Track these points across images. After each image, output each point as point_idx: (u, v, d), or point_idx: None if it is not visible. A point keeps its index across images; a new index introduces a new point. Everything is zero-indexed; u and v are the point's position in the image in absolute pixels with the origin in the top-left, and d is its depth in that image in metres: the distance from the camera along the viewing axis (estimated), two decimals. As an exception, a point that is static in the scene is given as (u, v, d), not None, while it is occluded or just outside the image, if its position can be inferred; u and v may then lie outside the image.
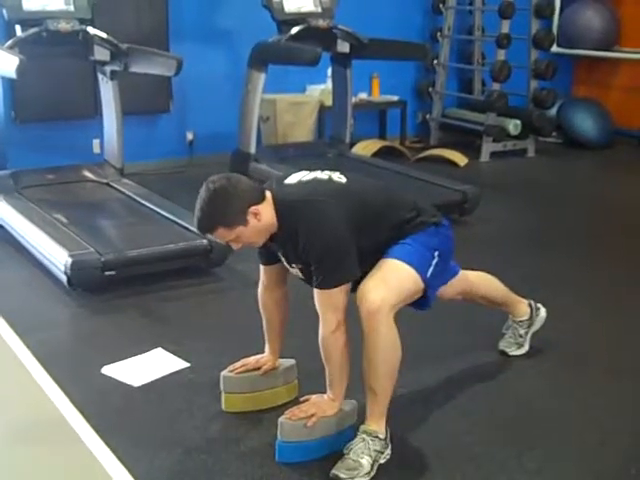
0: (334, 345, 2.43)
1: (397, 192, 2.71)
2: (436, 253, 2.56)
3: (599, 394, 2.92)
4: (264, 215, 2.43)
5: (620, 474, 2.44)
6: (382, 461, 2.43)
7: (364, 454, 2.39)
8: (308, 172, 2.58)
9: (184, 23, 6.27)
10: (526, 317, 3.14)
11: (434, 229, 2.60)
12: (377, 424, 2.46)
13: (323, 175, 2.56)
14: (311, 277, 2.46)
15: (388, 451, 2.46)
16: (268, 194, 2.47)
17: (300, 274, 2.54)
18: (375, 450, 2.41)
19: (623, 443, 2.61)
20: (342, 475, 2.36)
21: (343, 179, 2.57)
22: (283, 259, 2.57)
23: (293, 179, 2.56)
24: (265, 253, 2.64)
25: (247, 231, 2.43)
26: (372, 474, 2.38)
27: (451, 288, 2.88)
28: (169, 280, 4.01)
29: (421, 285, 2.51)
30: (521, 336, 3.15)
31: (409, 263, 2.47)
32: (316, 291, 2.44)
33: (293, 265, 2.53)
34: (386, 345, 2.41)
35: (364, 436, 2.43)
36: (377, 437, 2.43)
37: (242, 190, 2.42)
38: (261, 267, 2.72)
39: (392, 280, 2.44)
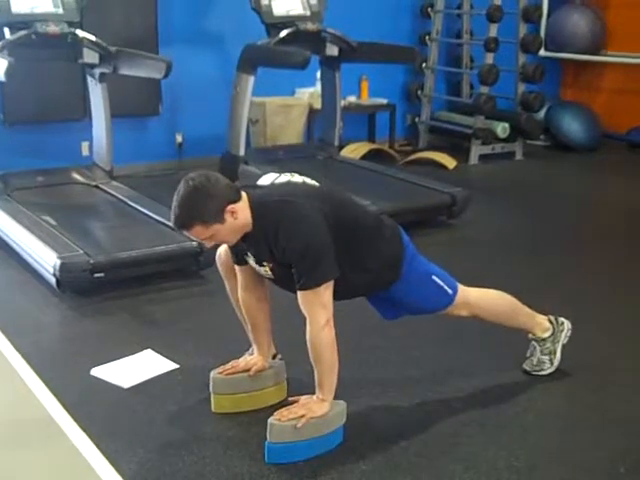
0: (324, 342, 2.44)
1: (361, 204, 2.80)
2: (431, 275, 2.76)
3: (590, 395, 2.94)
4: (241, 214, 2.44)
5: (610, 473, 2.45)
6: None
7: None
8: (279, 175, 2.61)
9: (173, 26, 6.27)
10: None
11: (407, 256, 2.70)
12: None
13: (296, 178, 2.60)
14: (281, 277, 2.48)
15: None
16: (244, 194, 2.49)
17: (269, 273, 2.55)
18: None
19: (613, 443, 2.62)
20: None
21: (316, 183, 2.61)
22: (252, 258, 2.57)
23: (266, 180, 2.58)
24: (237, 253, 2.64)
25: (223, 229, 2.44)
26: None
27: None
28: (158, 282, 4.01)
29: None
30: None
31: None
32: (301, 293, 2.44)
33: (264, 264, 2.53)
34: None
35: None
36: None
37: (220, 188, 2.42)
38: (237, 268, 2.70)
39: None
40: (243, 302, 2.76)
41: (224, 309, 3.66)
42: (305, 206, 2.44)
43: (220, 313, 3.65)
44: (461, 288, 2.83)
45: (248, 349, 2.90)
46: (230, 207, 2.41)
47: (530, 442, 2.62)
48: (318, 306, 2.42)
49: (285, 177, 2.59)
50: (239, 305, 2.80)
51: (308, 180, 2.61)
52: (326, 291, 2.43)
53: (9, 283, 4.09)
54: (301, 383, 2.77)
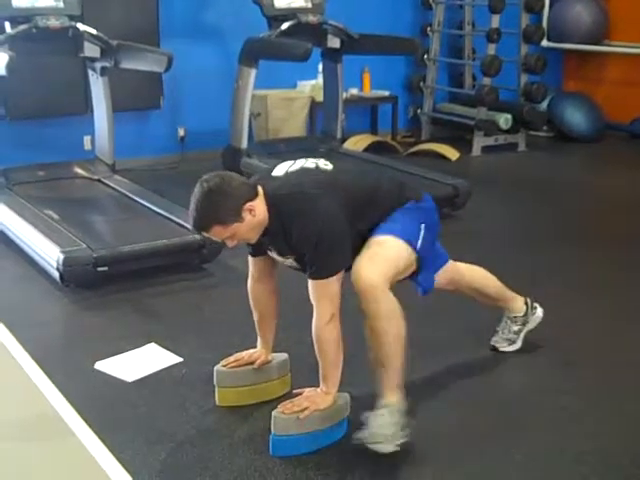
0: (328, 337, 2.45)
1: (383, 174, 2.76)
2: (422, 225, 2.61)
3: (587, 391, 2.92)
4: (259, 211, 2.44)
5: (611, 464, 2.45)
6: (401, 438, 2.44)
7: (385, 427, 2.42)
8: (294, 162, 2.60)
9: (175, 19, 6.26)
10: (521, 314, 3.12)
11: (414, 204, 2.64)
12: (392, 396, 2.48)
13: (309, 164, 2.59)
14: (306, 266, 2.47)
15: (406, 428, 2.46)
16: (260, 189, 2.49)
17: (295, 264, 2.55)
18: (395, 423, 2.43)
19: (614, 434, 2.61)
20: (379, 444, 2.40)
21: (329, 166, 2.60)
22: (275, 252, 2.58)
23: (280, 171, 2.58)
24: (255, 245, 2.64)
25: (243, 228, 2.44)
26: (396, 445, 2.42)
27: (440, 276, 2.89)
28: (162, 276, 4.02)
29: (413, 255, 2.56)
30: (514, 333, 3.13)
31: (397, 236, 2.52)
32: (311, 282, 2.45)
33: (287, 256, 2.54)
34: (387, 315, 2.43)
35: (383, 410, 2.45)
36: (396, 409, 2.45)
37: (236, 187, 2.42)
38: (250, 259, 2.72)
39: (384, 254, 2.48)
40: (253, 293, 2.76)
41: (227, 302, 3.69)
42: (318, 197, 2.44)
43: (223, 306, 3.67)
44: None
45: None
46: (248, 205, 2.41)
47: (528, 436, 2.61)
48: (326, 298, 2.43)
49: (299, 163, 2.58)
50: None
51: (322, 163, 2.59)
52: (335, 282, 2.43)
53: (12, 277, 4.09)
54: (305, 376, 2.77)
